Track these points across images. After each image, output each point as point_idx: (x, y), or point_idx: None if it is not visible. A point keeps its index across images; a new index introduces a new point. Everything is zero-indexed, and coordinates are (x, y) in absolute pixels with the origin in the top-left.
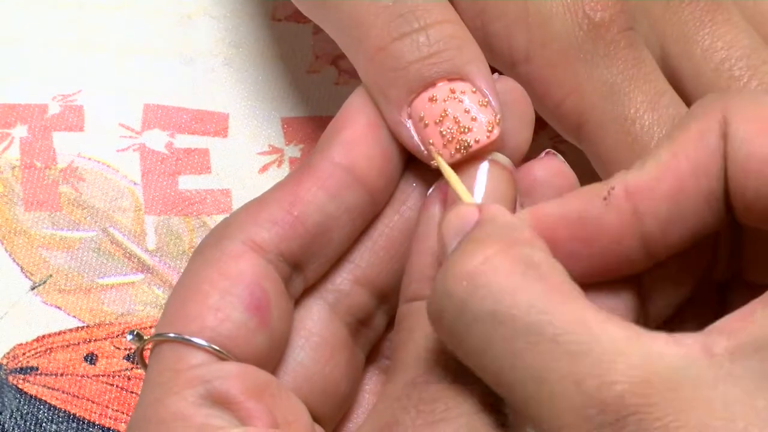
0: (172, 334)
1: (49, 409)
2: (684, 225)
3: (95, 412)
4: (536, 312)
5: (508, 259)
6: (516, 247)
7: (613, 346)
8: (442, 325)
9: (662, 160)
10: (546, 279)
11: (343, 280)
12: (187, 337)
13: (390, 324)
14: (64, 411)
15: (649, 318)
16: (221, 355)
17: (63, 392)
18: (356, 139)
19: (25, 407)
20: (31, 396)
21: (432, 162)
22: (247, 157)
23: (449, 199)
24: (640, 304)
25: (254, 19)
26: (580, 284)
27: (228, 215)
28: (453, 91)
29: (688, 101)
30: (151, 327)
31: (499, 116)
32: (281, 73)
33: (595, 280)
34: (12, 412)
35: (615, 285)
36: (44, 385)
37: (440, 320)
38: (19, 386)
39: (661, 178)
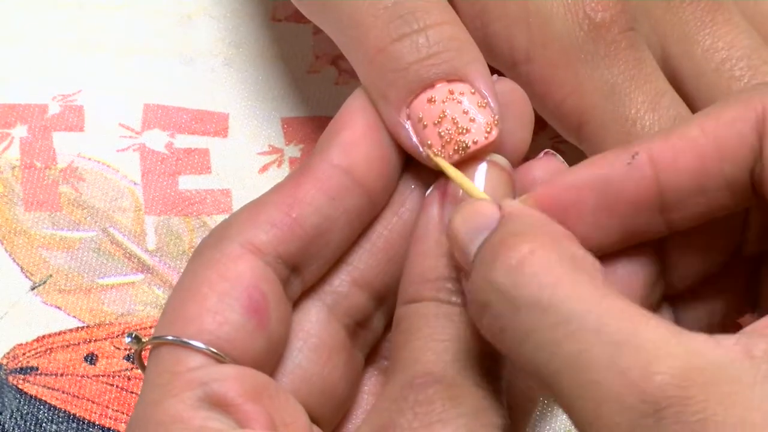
0: (170, 337)
1: (49, 410)
2: (703, 202)
3: (95, 413)
4: (582, 302)
5: (554, 252)
6: (558, 240)
7: (655, 339)
8: (485, 315)
9: (690, 135)
10: (588, 272)
11: (342, 282)
12: (185, 339)
13: (388, 325)
14: (64, 411)
15: (672, 285)
16: (219, 358)
17: (63, 392)
18: (355, 140)
19: (25, 407)
20: (31, 396)
21: (432, 162)
22: (247, 157)
23: (450, 198)
24: (661, 270)
25: (254, 19)
26: (603, 253)
27: (228, 215)
28: (452, 92)
29: (688, 102)
30: (151, 327)
31: (497, 117)
32: (281, 73)
33: (617, 248)
34: (12, 412)
35: (637, 249)
36: (44, 386)
37: (484, 311)
38: (19, 386)
39: (685, 152)
